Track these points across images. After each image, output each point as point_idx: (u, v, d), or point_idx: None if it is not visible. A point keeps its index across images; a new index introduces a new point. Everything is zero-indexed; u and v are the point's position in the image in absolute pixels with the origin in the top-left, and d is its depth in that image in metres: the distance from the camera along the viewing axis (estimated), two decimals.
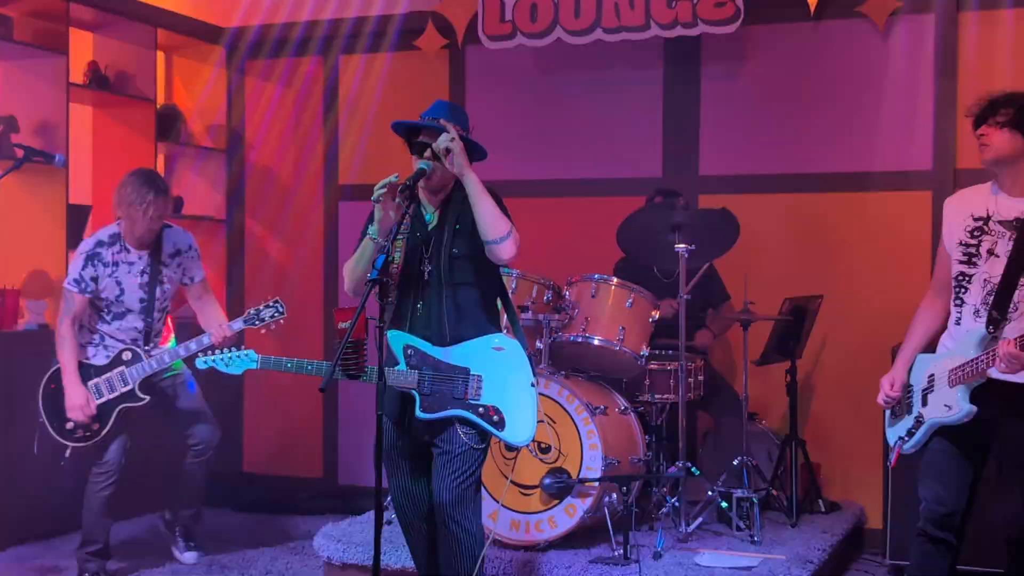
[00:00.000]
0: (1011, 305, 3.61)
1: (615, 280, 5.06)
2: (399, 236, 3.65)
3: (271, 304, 4.86)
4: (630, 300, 4.98)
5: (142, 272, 4.97)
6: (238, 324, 4.90)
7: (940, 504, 3.77)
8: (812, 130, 5.92)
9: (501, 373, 3.72)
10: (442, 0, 6.33)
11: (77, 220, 6.09)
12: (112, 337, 4.97)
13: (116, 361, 4.93)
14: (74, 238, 6.00)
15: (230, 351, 4.04)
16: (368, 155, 6.76)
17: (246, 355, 4.01)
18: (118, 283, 4.94)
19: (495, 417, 3.68)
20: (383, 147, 6.61)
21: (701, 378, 5.24)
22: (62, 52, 5.90)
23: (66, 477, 5.07)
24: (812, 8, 5.67)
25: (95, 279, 4.90)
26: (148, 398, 4.94)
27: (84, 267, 4.89)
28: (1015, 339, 3.47)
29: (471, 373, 3.69)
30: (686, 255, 4.91)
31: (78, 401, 4.84)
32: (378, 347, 3.42)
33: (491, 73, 6.47)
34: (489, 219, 3.62)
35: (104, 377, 4.92)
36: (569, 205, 6.34)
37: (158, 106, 6.57)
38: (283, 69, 6.98)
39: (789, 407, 5.41)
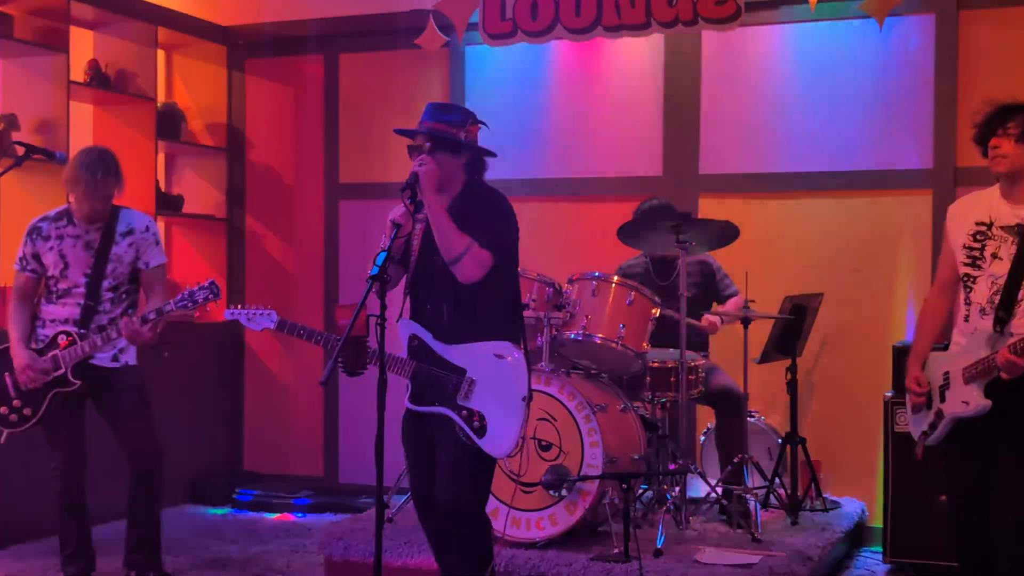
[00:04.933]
0: (1017, 304, 3.71)
1: (616, 278, 5.06)
2: (399, 234, 3.65)
3: (206, 286, 4.48)
4: (631, 298, 4.99)
5: (88, 245, 4.70)
6: (169, 307, 4.47)
7: (960, 508, 3.96)
8: (813, 129, 5.92)
9: (495, 381, 3.68)
10: None
11: None
12: (53, 320, 4.71)
13: (51, 344, 4.67)
14: None
15: (256, 307, 3.96)
16: (369, 154, 6.76)
17: (267, 314, 3.97)
18: (62, 256, 4.69)
19: (476, 423, 3.65)
20: (384, 146, 6.62)
21: (702, 376, 5.25)
22: (63, 50, 5.91)
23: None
24: (812, 7, 5.67)
25: (36, 256, 4.73)
26: (79, 383, 4.61)
27: (25, 245, 4.76)
28: (1009, 346, 3.62)
29: (466, 375, 3.68)
30: (686, 251, 4.97)
31: (21, 362, 4.62)
32: (379, 344, 3.42)
33: (491, 71, 6.47)
34: (440, 242, 3.63)
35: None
36: (569, 204, 6.34)
37: (159, 104, 6.57)
38: (284, 67, 6.99)
39: (790, 405, 5.41)
